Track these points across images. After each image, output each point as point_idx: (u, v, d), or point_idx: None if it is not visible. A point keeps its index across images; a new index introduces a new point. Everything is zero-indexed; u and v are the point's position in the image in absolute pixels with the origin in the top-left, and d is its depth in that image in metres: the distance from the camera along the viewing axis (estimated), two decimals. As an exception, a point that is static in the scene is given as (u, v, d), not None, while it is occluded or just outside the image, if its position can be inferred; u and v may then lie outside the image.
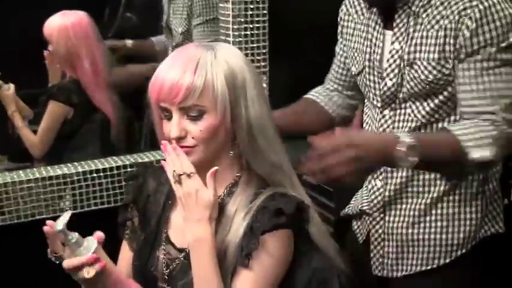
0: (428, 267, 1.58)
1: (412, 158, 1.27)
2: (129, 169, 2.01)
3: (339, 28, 1.70)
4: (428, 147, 1.31)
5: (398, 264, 1.61)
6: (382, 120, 1.57)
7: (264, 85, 2.06)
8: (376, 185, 1.60)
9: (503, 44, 1.38)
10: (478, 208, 1.56)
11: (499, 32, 1.38)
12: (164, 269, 1.36)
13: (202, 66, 1.24)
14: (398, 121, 1.54)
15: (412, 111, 1.52)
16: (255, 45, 2.05)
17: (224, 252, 1.27)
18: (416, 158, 1.27)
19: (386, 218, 1.60)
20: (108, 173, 2.02)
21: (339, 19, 1.70)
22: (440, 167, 1.42)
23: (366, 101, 1.67)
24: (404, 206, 1.57)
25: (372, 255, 1.65)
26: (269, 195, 1.29)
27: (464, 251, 1.57)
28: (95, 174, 2.00)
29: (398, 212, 1.58)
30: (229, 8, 2.00)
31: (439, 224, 1.56)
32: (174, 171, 1.24)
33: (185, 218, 1.25)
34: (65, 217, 1.23)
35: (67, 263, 1.22)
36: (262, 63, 2.07)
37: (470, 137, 1.34)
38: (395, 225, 1.59)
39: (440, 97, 1.48)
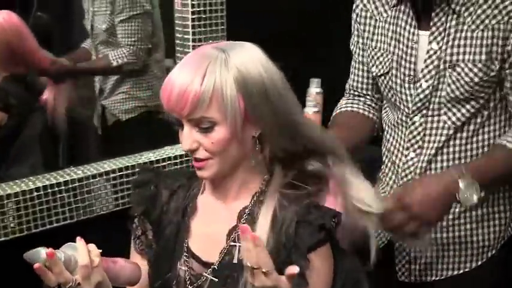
0: (460, 271, 1.56)
1: (477, 195, 1.31)
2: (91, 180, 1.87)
3: (355, 25, 1.63)
4: (491, 178, 1.34)
5: (427, 269, 1.57)
6: (412, 127, 1.51)
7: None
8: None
9: None
10: (507, 207, 1.56)
11: None
12: (188, 285, 1.27)
13: (211, 73, 1.15)
14: (430, 128, 1.49)
15: (447, 117, 1.47)
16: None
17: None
18: (481, 194, 1.31)
19: None
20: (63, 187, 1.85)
21: (354, 15, 1.63)
22: (503, 184, 1.47)
23: (386, 105, 1.62)
24: None
25: (397, 261, 1.59)
26: (304, 208, 1.22)
27: (494, 251, 1.56)
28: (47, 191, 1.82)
29: None
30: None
31: (468, 226, 1.54)
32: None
33: None
34: (36, 250, 1.14)
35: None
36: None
37: None
38: None
39: (481, 101, 1.45)
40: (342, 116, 1.68)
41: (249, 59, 1.20)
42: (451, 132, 1.49)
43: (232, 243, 1.25)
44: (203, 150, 1.19)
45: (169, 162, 2.03)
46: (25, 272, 1.38)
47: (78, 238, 1.17)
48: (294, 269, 1.05)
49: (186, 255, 1.28)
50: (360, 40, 1.62)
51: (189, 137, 1.18)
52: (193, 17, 2.00)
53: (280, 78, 1.24)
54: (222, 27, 2.07)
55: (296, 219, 1.21)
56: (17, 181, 1.82)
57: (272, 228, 1.21)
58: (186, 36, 2.04)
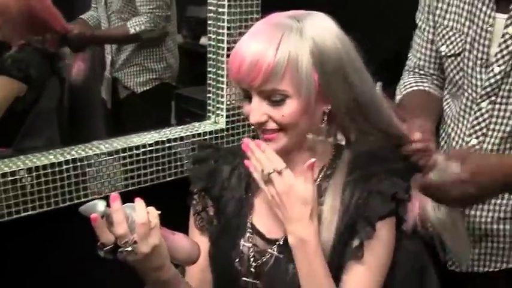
0: (510, 265, 1.55)
1: None
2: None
3: (427, 1, 1.58)
4: None
5: (480, 260, 1.55)
6: (478, 113, 1.47)
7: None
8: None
9: None
10: None
11: None
12: (252, 262, 1.25)
13: (286, 43, 1.11)
14: (497, 117, 1.45)
15: None
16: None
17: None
18: None
19: (468, 212, 1.52)
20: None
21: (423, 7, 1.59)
22: None
23: (450, 88, 1.57)
24: (492, 201, 1.51)
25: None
26: (376, 179, 1.21)
27: None
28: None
29: (483, 207, 1.52)
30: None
31: None
32: (263, 170, 1.14)
33: (283, 218, 1.15)
34: (93, 202, 1.09)
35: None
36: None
37: None
38: (478, 220, 1.52)
39: None
40: (415, 96, 1.62)
41: (325, 29, 1.16)
42: None
43: None
44: (272, 123, 1.16)
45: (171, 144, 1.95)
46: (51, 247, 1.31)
47: (137, 198, 1.12)
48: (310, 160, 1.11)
49: (250, 232, 1.25)
50: (431, 17, 1.57)
51: (258, 109, 1.14)
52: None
53: (355, 51, 1.20)
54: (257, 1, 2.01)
55: (368, 189, 1.19)
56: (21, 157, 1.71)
57: (341, 202, 1.19)
58: (220, 10, 1.96)
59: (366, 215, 1.18)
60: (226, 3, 1.96)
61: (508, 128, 1.46)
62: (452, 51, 1.50)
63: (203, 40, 3.58)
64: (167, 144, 1.93)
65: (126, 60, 2.67)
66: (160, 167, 1.92)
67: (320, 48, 1.12)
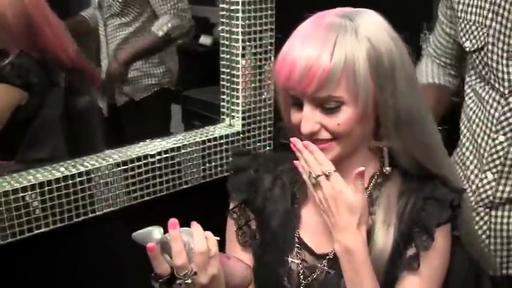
0: None
1: None
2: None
3: (448, 5, 1.55)
4: None
5: (509, 262, 1.51)
6: (506, 108, 1.42)
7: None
8: (486, 177, 1.47)
9: None
10: None
11: None
12: (302, 279, 1.17)
13: (341, 46, 1.03)
14: None
15: None
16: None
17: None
18: None
19: (493, 213, 1.48)
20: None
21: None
22: None
23: (478, 81, 1.51)
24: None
25: None
26: (431, 185, 1.14)
27: None
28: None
29: (504, 207, 1.48)
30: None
31: None
32: (311, 173, 1.07)
33: (330, 225, 1.09)
34: (147, 229, 1.02)
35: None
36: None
37: None
38: (505, 220, 1.48)
39: None
40: (434, 91, 1.64)
41: (379, 29, 1.08)
42: None
43: None
44: (325, 132, 1.08)
45: (187, 150, 1.85)
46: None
47: (193, 223, 1.04)
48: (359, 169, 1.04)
49: (298, 247, 1.18)
50: (449, 12, 1.55)
51: (311, 118, 1.06)
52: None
53: (408, 55, 1.12)
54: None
55: (422, 196, 1.13)
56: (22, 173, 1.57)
57: (396, 211, 1.13)
58: (233, 7, 1.87)
59: (422, 223, 1.11)
60: (240, 7, 1.86)
61: None
62: (475, 46, 1.46)
63: (202, 39, 3.49)
64: (182, 151, 1.83)
65: (124, 66, 2.55)
66: (176, 175, 1.82)
67: (376, 50, 1.05)
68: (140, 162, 1.73)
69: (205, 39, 3.50)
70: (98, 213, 1.66)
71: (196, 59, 2.76)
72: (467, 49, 1.49)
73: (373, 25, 1.07)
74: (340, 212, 1.04)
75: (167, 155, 1.79)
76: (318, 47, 1.02)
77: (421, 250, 1.10)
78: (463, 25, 1.50)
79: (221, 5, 1.93)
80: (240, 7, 1.87)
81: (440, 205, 1.11)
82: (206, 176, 1.92)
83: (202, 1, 3.46)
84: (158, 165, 1.78)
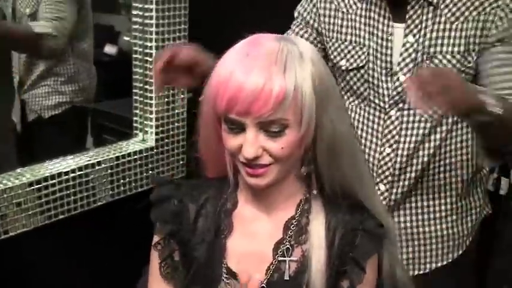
0: (444, 263, 1.58)
1: (499, 108, 1.21)
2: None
3: (313, 16, 1.56)
4: (506, 104, 1.25)
5: (414, 263, 1.57)
6: (388, 121, 1.49)
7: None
8: (379, 189, 1.52)
9: None
10: (480, 195, 1.60)
11: None
12: None
13: (291, 68, 1.01)
14: (407, 122, 1.48)
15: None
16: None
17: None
18: (501, 110, 1.21)
19: (395, 219, 1.54)
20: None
21: (309, 7, 1.57)
22: (502, 137, 1.35)
23: (353, 99, 1.57)
24: (413, 204, 1.54)
25: None
26: (357, 215, 1.13)
27: (471, 238, 1.60)
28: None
29: (406, 212, 1.55)
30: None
31: (449, 219, 1.56)
32: None
33: None
34: None
35: None
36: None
37: None
38: (403, 225, 1.55)
39: None
40: None
41: (316, 53, 1.08)
42: (429, 125, 1.47)
43: (281, 258, 1.13)
44: (267, 156, 1.04)
45: (101, 166, 1.83)
46: None
47: None
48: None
49: (226, 277, 1.12)
50: (324, 32, 1.55)
51: (255, 142, 1.02)
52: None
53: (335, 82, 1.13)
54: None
55: (351, 227, 1.12)
56: None
57: (326, 238, 1.11)
58: (146, 21, 1.86)
59: (353, 256, 1.10)
60: (154, 14, 1.84)
61: (421, 132, 1.48)
62: (354, 65, 1.50)
63: (107, 48, 3.41)
64: (97, 167, 1.80)
65: (35, 81, 2.44)
66: (90, 192, 1.79)
67: (318, 72, 1.04)
68: (54, 181, 1.69)
69: (110, 49, 3.42)
70: (11, 234, 1.60)
71: (101, 69, 2.67)
72: (343, 67, 1.51)
73: (311, 49, 1.07)
74: None
75: (81, 172, 1.76)
76: (267, 69, 0.99)
77: (355, 283, 1.09)
78: (336, 45, 1.53)
79: (134, 19, 1.91)
80: (154, 21, 1.86)
81: (369, 237, 1.11)
82: (120, 192, 1.89)
83: (107, 9, 3.39)
84: (72, 183, 1.74)
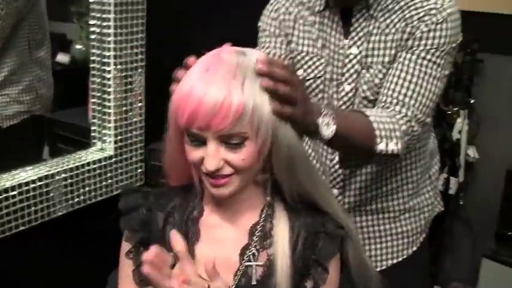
0: (400, 259, 1.64)
1: (332, 126, 1.21)
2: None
3: (272, 29, 1.59)
4: (346, 121, 1.28)
5: (371, 261, 1.60)
6: None
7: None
8: (333, 193, 1.57)
9: (443, 51, 1.44)
10: (430, 193, 1.68)
11: (445, 40, 1.44)
12: None
13: (249, 82, 1.04)
14: None
15: None
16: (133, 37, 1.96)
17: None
18: (334, 126, 1.21)
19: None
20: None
21: (269, 20, 1.60)
22: (351, 148, 1.39)
23: None
24: (367, 207, 1.60)
25: None
26: (319, 218, 1.18)
27: (424, 235, 1.67)
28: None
29: (361, 213, 1.60)
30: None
31: (402, 217, 1.62)
32: None
33: None
34: None
35: None
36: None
37: (382, 127, 1.34)
38: (359, 225, 1.60)
39: None
40: None
41: None
42: None
43: (247, 263, 1.16)
44: (228, 167, 1.07)
45: (61, 176, 1.83)
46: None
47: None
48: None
49: None
50: (285, 41, 1.58)
51: (216, 155, 1.05)
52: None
53: None
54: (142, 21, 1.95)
55: (313, 230, 1.16)
56: None
57: (289, 242, 1.15)
58: (105, 31, 1.87)
59: (316, 257, 1.15)
60: (112, 23, 1.86)
61: None
62: (312, 75, 1.55)
63: (60, 57, 3.37)
64: (57, 177, 1.80)
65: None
66: (50, 202, 1.79)
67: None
68: (14, 192, 1.68)
69: (62, 57, 3.38)
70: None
71: (54, 77, 2.65)
72: (301, 77, 1.55)
73: None
74: None
75: (41, 182, 1.76)
76: (227, 84, 1.02)
77: (319, 284, 1.13)
78: (294, 54, 1.57)
79: (91, 28, 1.92)
80: (111, 30, 1.88)
81: (330, 239, 1.16)
82: (80, 201, 1.90)
83: (58, 17, 3.35)
84: (32, 194, 1.74)
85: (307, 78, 1.55)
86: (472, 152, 2.65)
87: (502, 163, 2.48)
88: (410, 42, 1.44)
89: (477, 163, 2.69)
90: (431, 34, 1.43)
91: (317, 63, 1.54)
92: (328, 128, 1.20)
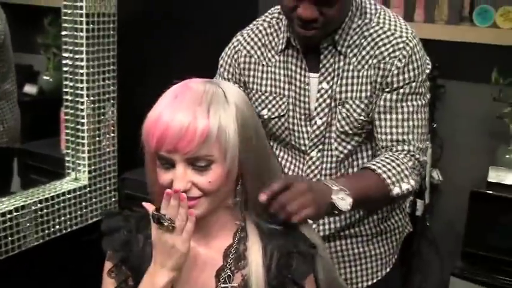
0: (374, 281, 1.68)
1: (348, 198, 1.30)
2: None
3: (233, 69, 1.63)
4: (358, 187, 1.34)
5: (347, 284, 1.65)
6: (310, 162, 1.59)
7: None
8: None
9: (421, 80, 1.50)
10: (400, 216, 1.70)
11: (420, 70, 1.50)
12: None
13: (216, 109, 1.10)
14: (326, 161, 1.58)
15: (341, 148, 1.56)
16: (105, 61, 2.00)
17: None
18: (350, 198, 1.30)
19: (326, 245, 1.60)
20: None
21: (228, 59, 1.63)
22: (370, 204, 1.49)
23: (278, 144, 1.66)
24: (341, 233, 1.63)
25: None
26: (291, 238, 1.22)
27: (396, 256, 1.72)
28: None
29: (335, 237, 1.63)
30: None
31: (375, 240, 1.65)
32: (165, 215, 1.10)
33: (155, 261, 1.14)
34: None
35: None
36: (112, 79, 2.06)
37: (390, 174, 1.41)
38: (334, 249, 1.64)
39: (366, 131, 1.55)
40: None
41: (240, 95, 1.17)
42: (343, 161, 1.59)
43: (223, 286, 1.20)
44: (196, 190, 1.12)
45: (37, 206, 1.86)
46: None
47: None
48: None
49: None
50: (246, 85, 1.63)
51: (183, 177, 1.11)
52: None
53: (257, 117, 1.24)
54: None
55: (286, 250, 1.20)
56: None
57: (263, 264, 1.18)
58: (77, 64, 1.90)
59: (292, 277, 1.19)
60: (84, 56, 1.90)
61: (340, 168, 1.59)
62: (276, 114, 1.59)
63: (27, 88, 3.38)
64: (33, 207, 1.80)
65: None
66: (21, 234, 1.80)
67: (241, 114, 1.14)
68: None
69: (30, 88, 3.38)
70: None
71: (22, 109, 2.66)
72: (266, 117, 1.60)
73: (236, 92, 1.17)
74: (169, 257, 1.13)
75: (17, 213, 1.77)
76: (192, 110, 1.08)
77: None
78: (257, 95, 1.61)
79: (64, 61, 1.95)
80: (84, 63, 1.91)
81: (304, 258, 1.20)
82: (56, 231, 1.91)
83: (25, 48, 3.37)
84: (3, 226, 1.74)
85: (272, 117, 1.59)
86: (436, 175, 2.72)
87: (465, 184, 2.55)
88: (389, 80, 1.48)
89: (441, 185, 2.77)
90: (406, 68, 1.48)
91: (280, 102, 1.58)
92: (345, 201, 1.29)
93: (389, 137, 1.49)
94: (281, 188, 1.20)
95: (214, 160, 1.11)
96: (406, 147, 1.47)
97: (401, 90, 1.48)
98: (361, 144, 1.57)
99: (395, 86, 1.48)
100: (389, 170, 1.41)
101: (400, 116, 1.49)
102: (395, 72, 1.48)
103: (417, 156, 1.47)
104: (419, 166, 1.48)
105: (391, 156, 1.45)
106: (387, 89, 1.49)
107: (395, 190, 1.41)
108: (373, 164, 1.43)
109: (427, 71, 1.53)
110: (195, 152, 1.09)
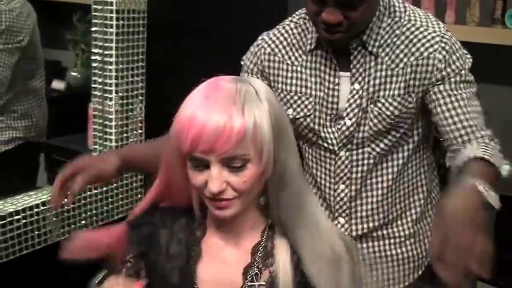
0: (406, 284, 1.66)
1: (498, 199, 1.29)
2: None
3: (259, 68, 1.62)
4: (489, 181, 1.31)
5: (378, 287, 1.64)
6: (339, 162, 1.58)
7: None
8: (339, 222, 1.61)
9: (467, 67, 1.50)
10: (431, 218, 1.68)
11: (463, 59, 1.50)
12: None
13: (250, 107, 1.09)
14: (356, 160, 1.57)
15: (372, 148, 1.56)
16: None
17: None
18: (494, 193, 1.27)
19: (358, 246, 1.59)
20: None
21: (251, 57, 1.63)
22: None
23: (304, 143, 1.65)
24: (374, 233, 1.62)
25: None
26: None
27: (428, 259, 1.65)
28: None
29: (367, 239, 1.62)
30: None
31: (407, 242, 1.64)
32: None
33: None
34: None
35: None
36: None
37: (496, 159, 1.39)
38: (366, 251, 1.63)
39: (401, 130, 1.54)
40: None
41: (270, 92, 1.16)
42: (376, 161, 1.57)
43: (250, 283, 1.19)
44: (231, 190, 1.11)
45: (83, 195, 1.90)
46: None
47: None
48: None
49: None
50: (271, 84, 1.62)
51: (219, 177, 1.09)
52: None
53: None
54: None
55: None
56: None
57: (291, 260, 1.18)
58: (107, 59, 1.91)
59: None
60: (114, 52, 1.90)
61: (368, 167, 1.57)
62: (301, 114, 1.58)
63: (55, 84, 3.41)
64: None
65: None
66: (47, 228, 1.81)
67: (274, 110, 1.12)
68: (12, 218, 1.70)
69: (58, 84, 3.41)
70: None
71: (49, 104, 2.68)
72: (291, 116, 1.58)
73: (266, 89, 1.15)
74: None
75: (43, 207, 1.78)
76: (227, 109, 1.07)
77: None
78: (282, 95, 1.60)
79: (93, 57, 1.96)
80: (113, 59, 1.92)
81: None
82: (82, 226, 1.92)
83: (54, 44, 3.40)
84: (30, 220, 1.76)
85: (297, 117, 1.58)
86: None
87: (496, 188, 2.52)
88: (437, 74, 1.48)
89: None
90: (450, 60, 1.48)
91: (306, 102, 1.57)
92: (495, 198, 1.28)
93: (467, 130, 1.46)
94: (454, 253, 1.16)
95: (250, 159, 1.09)
96: (483, 133, 1.45)
97: (452, 79, 1.47)
98: (395, 145, 1.56)
99: (445, 78, 1.47)
100: (493, 155, 1.38)
101: (462, 103, 1.47)
102: (441, 66, 1.47)
103: (496, 139, 1.46)
104: (499, 147, 1.45)
105: (485, 144, 1.42)
106: (441, 87, 1.47)
107: (503, 172, 1.40)
108: (478, 152, 1.38)
109: (470, 61, 1.51)
110: (232, 151, 1.07)
